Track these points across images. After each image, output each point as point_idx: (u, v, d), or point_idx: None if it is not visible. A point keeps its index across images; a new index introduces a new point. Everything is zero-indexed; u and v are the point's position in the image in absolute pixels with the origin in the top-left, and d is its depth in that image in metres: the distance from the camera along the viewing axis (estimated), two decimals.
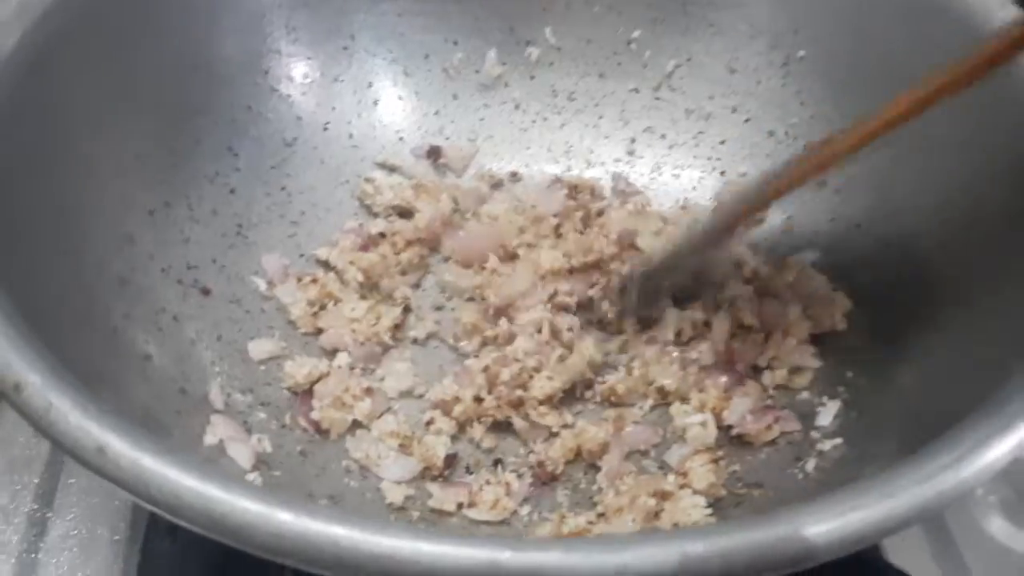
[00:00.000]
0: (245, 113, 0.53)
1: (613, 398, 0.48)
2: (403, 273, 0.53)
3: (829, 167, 0.39)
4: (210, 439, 0.41)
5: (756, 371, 0.48)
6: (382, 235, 0.54)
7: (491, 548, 0.25)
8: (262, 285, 0.51)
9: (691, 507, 0.41)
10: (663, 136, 0.58)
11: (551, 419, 0.46)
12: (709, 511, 0.41)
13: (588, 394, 0.48)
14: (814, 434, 0.44)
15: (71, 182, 0.41)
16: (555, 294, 0.50)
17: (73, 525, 0.46)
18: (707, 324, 0.50)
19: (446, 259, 0.55)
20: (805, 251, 0.52)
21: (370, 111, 0.58)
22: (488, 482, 0.44)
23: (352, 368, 0.49)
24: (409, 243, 0.54)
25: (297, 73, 0.55)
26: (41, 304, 0.34)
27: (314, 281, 0.51)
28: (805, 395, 0.47)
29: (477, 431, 0.46)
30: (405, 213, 0.56)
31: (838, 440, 0.43)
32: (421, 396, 0.49)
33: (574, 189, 0.57)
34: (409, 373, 0.49)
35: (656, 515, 0.41)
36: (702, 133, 0.57)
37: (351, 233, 0.54)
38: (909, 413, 0.40)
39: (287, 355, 0.49)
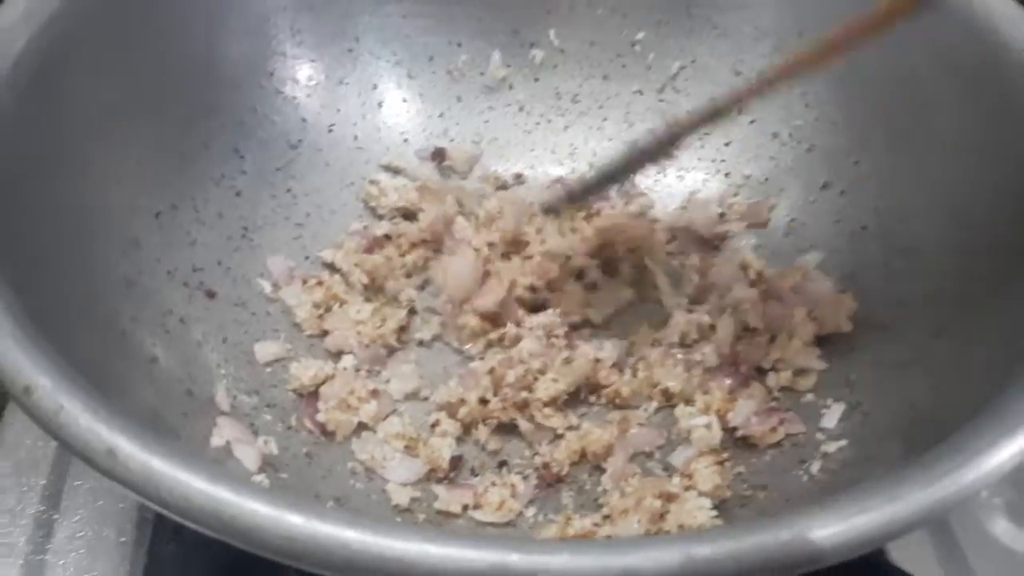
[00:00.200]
0: (251, 115, 0.53)
1: (618, 400, 0.48)
2: (408, 275, 0.53)
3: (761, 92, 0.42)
4: (217, 441, 0.41)
5: (761, 373, 0.48)
6: (387, 237, 0.54)
7: (499, 551, 0.26)
8: (267, 287, 0.51)
9: (696, 509, 0.41)
10: None
11: (556, 421, 0.46)
12: (714, 513, 0.41)
13: (593, 397, 0.49)
14: (819, 436, 0.44)
15: (78, 186, 0.41)
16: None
17: (79, 527, 0.46)
18: (712, 326, 0.50)
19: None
20: (810, 253, 0.52)
21: (375, 113, 0.58)
22: (493, 484, 0.44)
23: (357, 370, 0.49)
24: (414, 245, 0.54)
25: (302, 75, 0.56)
26: (49, 307, 0.35)
27: (319, 283, 0.51)
28: (810, 397, 0.47)
29: (482, 433, 0.46)
30: (410, 215, 0.56)
31: (843, 442, 0.43)
32: (426, 398, 0.49)
33: None
34: (414, 375, 0.49)
35: (661, 517, 0.41)
36: (707, 135, 0.57)
37: (356, 235, 0.55)
38: (914, 415, 0.40)
39: (293, 357, 0.49)
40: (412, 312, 0.52)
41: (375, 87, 0.58)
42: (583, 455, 0.46)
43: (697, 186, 0.58)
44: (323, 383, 0.47)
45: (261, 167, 0.53)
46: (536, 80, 0.59)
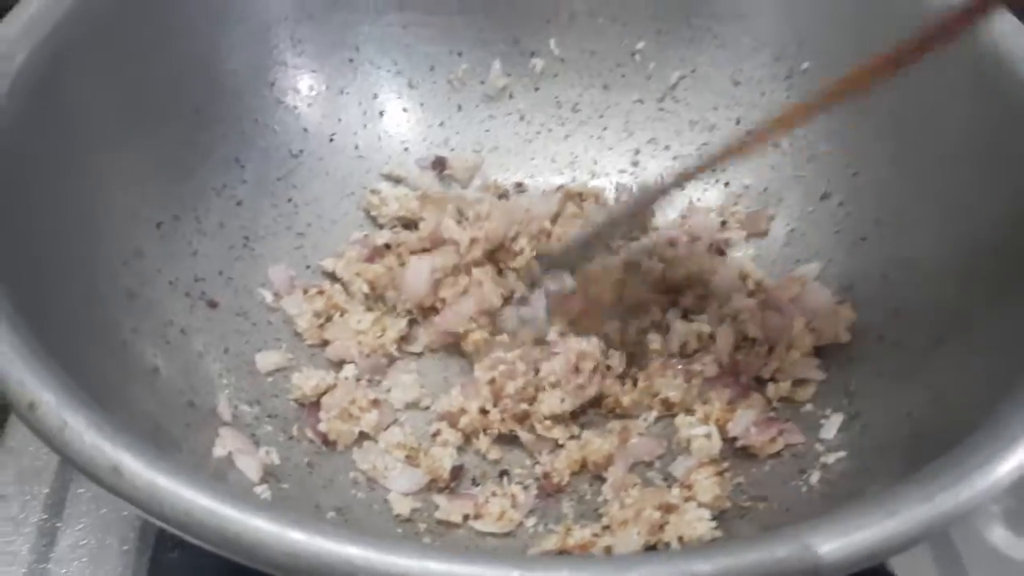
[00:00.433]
0: (252, 125, 0.53)
1: (618, 410, 0.48)
2: None
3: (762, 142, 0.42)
4: (219, 451, 0.42)
5: (760, 383, 0.48)
6: (388, 246, 0.54)
7: (501, 567, 0.26)
8: (269, 297, 0.51)
9: (696, 520, 0.41)
10: (667, 147, 0.59)
11: (557, 431, 0.46)
12: (714, 524, 0.42)
13: (593, 407, 0.49)
14: (818, 447, 0.44)
15: (80, 197, 0.42)
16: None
17: (83, 535, 0.46)
18: (711, 336, 0.50)
19: None
20: (809, 263, 0.52)
21: (375, 123, 0.58)
22: (494, 494, 0.44)
23: (359, 380, 0.49)
24: (415, 254, 0.54)
25: (303, 85, 0.56)
26: (51, 320, 0.35)
27: (320, 293, 0.52)
28: (809, 407, 0.47)
29: (483, 443, 0.47)
30: (410, 224, 0.56)
31: (842, 453, 0.43)
32: (427, 408, 0.49)
33: (579, 198, 0.57)
34: (415, 385, 0.49)
35: (661, 527, 0.42)
36: (706, 144, 0.58)
37: (357, 244, 0.55)
38: (913, 426, 0.40)
39: (294, 367, 0.49)
40: (413, 322, 0.52)
41: (376, 96, 0.58)
42: (584, 464, 0.46)
43: (697, 195, 0.58)
44: (324, 393, 0.48)
45: (262, 177, 0.53)
46: (536, 89, 0.60)
